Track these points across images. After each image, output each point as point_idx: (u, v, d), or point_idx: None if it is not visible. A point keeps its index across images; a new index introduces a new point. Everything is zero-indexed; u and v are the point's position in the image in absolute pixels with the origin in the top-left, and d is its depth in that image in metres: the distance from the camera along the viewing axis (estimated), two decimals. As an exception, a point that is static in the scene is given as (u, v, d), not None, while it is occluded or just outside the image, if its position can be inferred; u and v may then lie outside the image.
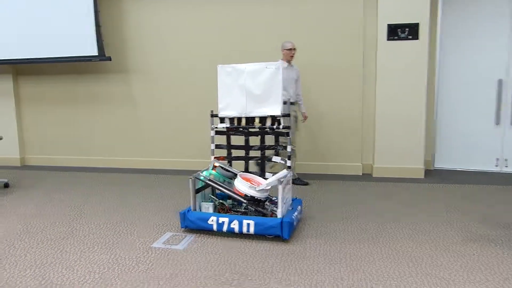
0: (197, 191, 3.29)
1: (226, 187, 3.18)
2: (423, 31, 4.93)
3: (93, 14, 5.35)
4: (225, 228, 3.06)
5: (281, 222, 2.91)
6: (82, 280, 2.40)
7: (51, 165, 6.26)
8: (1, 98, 6.29)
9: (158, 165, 5.90)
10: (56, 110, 6.24)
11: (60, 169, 6.00)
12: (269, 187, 3.12)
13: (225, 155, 3.62)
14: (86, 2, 5.36)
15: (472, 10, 5.29)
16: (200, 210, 3.31)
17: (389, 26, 4.98)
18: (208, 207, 3.28)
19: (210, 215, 3.10)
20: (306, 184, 4.84)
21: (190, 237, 3.09)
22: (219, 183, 3.21)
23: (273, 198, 3.33)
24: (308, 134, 5.44)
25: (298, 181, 4.87)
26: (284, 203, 3.08)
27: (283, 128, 3.32)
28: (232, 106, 3.42)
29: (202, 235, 3.14)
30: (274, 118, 3.33)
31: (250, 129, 3.45)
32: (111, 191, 4.64)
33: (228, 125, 3.48)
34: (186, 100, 5.74)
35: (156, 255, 2.77)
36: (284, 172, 3.22)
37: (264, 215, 3.12)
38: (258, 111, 3.35)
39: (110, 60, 5.60)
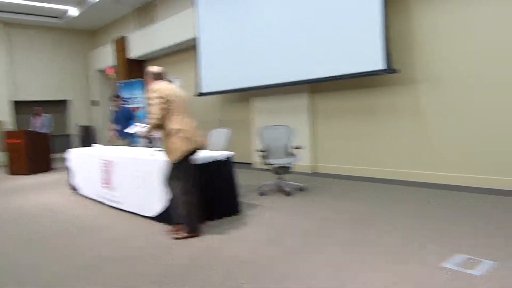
0: None
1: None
2: None
3: (381, 30, 5.49)
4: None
5: None
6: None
7: (338, 173, 6.81)
8: (299, 113, 7.35)
9: (447, 180, 5.45)
10: (343, 123, 6.80)
11: (345, 177, 6.48)
12: None
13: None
14: (374, 19, 5.58)
15: None
16: None
17: None
18: None
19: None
20: None
21: (489, 264, 2.77)
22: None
23: None
24: None
25: None
26: None
27: None
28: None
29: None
30: None
31: None
32: (395, 203, 4.68)
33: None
34: (481, 108, 5.11)
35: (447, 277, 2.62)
36: None
37: None
38: None
39: (398, 72, 5.63)
